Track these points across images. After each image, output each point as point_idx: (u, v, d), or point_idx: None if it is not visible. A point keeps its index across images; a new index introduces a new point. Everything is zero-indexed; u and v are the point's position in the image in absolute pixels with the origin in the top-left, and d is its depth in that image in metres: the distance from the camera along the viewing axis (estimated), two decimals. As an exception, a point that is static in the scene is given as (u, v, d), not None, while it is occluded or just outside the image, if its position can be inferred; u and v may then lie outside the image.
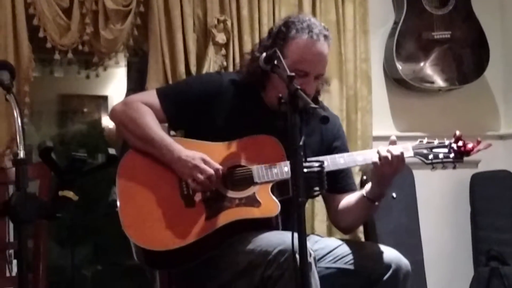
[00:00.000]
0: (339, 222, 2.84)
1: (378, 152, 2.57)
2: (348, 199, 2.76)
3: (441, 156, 2.69)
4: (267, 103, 2.71)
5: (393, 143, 2.61)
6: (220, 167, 2.55)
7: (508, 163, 4.29)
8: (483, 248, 4.16)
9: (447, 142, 2.71)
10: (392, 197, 4.00)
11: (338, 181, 2.77)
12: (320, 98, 2.88)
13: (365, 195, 2.66)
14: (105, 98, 6.81)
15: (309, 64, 2.59)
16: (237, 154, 2.63)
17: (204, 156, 2.54)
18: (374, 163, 2.58)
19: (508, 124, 4.36)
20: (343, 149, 2.80)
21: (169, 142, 2.60)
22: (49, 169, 2.11)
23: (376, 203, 2.66)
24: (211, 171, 2.51)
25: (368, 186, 2.66)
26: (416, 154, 2.69)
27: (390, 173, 2.58)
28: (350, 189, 2.81)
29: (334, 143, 2.81)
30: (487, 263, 4.11)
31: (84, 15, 3.49)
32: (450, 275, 4.26)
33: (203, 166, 2.51)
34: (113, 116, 2.75)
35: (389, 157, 2.54)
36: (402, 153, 2.56)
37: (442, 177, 4.13)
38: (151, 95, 2.74)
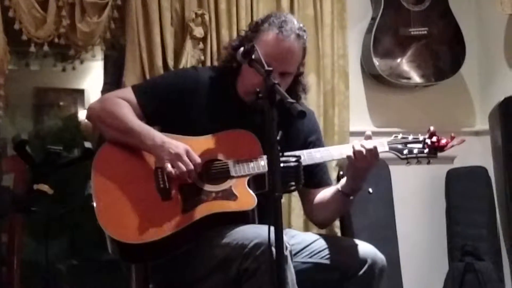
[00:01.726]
0: (314, 217, 2.85)
1: (352, 147, 2.57)
2: (324, 194, 2.77)
3: (415, 151, 2.70)
4: (241, 96, 2.71)
5: (368, 138, 2.62)
6: (200, 161, 2.54)
7: (483, 159, 4.32)
8: (458, 243, 4.19)
9: (421, 138, 2.73)
10: (369, 192, 3.99)
11: (314, 176, 2.77)
12: (303, 95, 2.87)
13: (340, 189, 2.67)
14: (81, 92, 6.77)
15: (273, 59, 2.56)
16: (214, 149, 2.63)
17: (188, 147, 2.53)
18: (348, 158, 2.58)
19: (484, 120, 4.39)
20: (318, 144, 2.81)
21: (149, 129, 2.60)
22: (24, 162, 2.10)
23: (351, 198, 2.67)
24: (191, 166, 2.51)
25: (343, 180, 2.67)
26: (391, 149, 2.70)
27: (365, 168, 2.59)
28: (325, 183, 2.81)
29: (310, 138, 2.82)
30: (461, 258, 4.15)
31: (61, 7, 3.47)
32: (425, 270, 4.29)
33: (185, 157, 2.51)
34: (90, 113, 2.73)
35: (363, 151, 2.55)
36: (375, 147, 2.57)
37: (418, 172, 4.17)
38: (126, 92, 2.74)
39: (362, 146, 2.56)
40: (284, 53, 2.62)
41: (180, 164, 2.50)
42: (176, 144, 2.54)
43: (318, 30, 3.98)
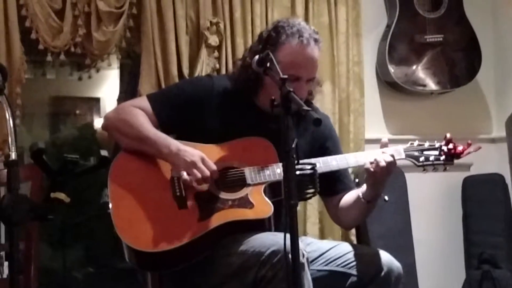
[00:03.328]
0: (340, 221, 2.87)
1: (371, 160, 2.57)
2: (346, 199, 2.77)
3: (431, 158, 2.70)
4: (259, 106, 2.71)
5: (384, 145, 2.62)
6: (216, 169, 2.55)
7: (500, 166, 4.30)
8: (475, 251, 4.17)
9: (437, 145, 2.72)
10: (384, 200, 3.99)
11: (335, 182, 2.77)
12: (313, 101, 2.88)
13: (361, 197, 2.67)
14: (97, 100, 6.80)
15: (300, 68, 2.59)
16: (230, 156, 2.63)
17: (203, 155, 2.54)
18: (366, 169, 2.58)
19: (500, 128, 4.37)
20: (335, 150, 2.81)
21: (165, 137, 2.60)
22: (41, 170, 2.11)
23: (373, 203, 2.68)
24: (207, 173, 2.51)
25: (363, 187, 2.66)
26: (407, 156, 2.69)
27: (383, 176, 2.59)
28: (348, 188, 2.80)
29: (326, 144, 2.81)
30: (478, 266, 4.12)
31: (77, 17, 3.50)
32: (442, 278, 4.27)
33: (200, 165, 2.51)
34: (106, 123, 2.74)
35: (381, 162, 2.55)
36: (393, 157, 2.57)
37: (434, 180, 4.16)
38: (142, 101, 2.74)
39: (380, 157, 2.56)
40: (308, 61, 2.63)
41: (195, 171, 2.50)
42: (192, 152, 2.54)
43: (333, 37, 3.99)
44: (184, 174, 2.51)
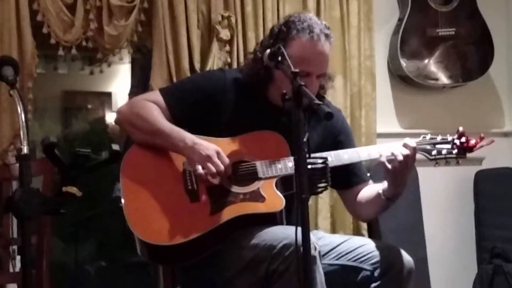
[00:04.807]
0: (358, 215, 2.88)
1: (393, 154, 2.55)
2: (365, 194, 2.75)
3: (444, 152, 2.69)
4: (271, 100, 2.71)
5: (409, 148, 2.59)
6: (230, 163, 2.55)
7: (512, 160, 4.29)
8: (487, 246, 4.15)
9: (450, 138, 2.71)
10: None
11: (349, 175, 2.76)
12: (325, 95, 2.87)
13: (382, 194, 2.65)
14: (109, 95, 6.82)
15: (311, 64, 2.59)
16: (241, 150, 2.63)
17: (219, 149, 2.54)
18: (382, 164, 2.57)
19: (513, 121, 4.36)
20: (347, 143, 2.80)
21: (179, 131, 2.60)
22: (52, 165, 2.11)
23: (393, 200, 2.67)
24: (222, 168, 2.51)
25: (384, 184, 2.65)
26: (419, 150, 2.68)
27: (402, 171, 2.57)
28: (362, 180, 2.79)
29: (339, 138, 2.81)
30: (490, 260, 4.11)
31: (88, 11, 3.50)
32: (453, 272, 4.26)
33: (216, 159, 2.51)
34: (119, 117, 2.74)
35: (398, 154, 2.54)
36: (414, 149, 2.55)
37: (446, 174, 4.14)
38: (155, 95, 2.75)
39: (397, 150, 2.55)
40: (319, 56, 2.62)
41: (210, 165, 2.50)
42: (207, 145, 2.54)
43: (344, 31, 3.98)
44: (199, 168, 2.51)
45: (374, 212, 2.80)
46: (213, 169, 2.50)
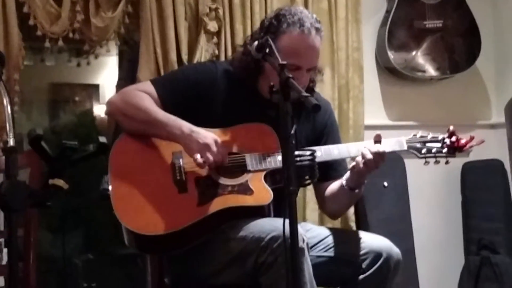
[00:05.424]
0: (326, 209, 2.86)
1: (362, 155, 2.56)
2: (332, 187, 2.76)
3: (434, 150, 2.70)
4: (261, 92, 2.71)
5: (377, 140, 2.60)
6: (227, 153, 2.55)
7: (499, 152, 4.30)
8: (474, 237, 4.18)
9: (440, 137, 2.72)
10: (384, 186, 4.00)
11: (328, 170, 2.76)
12: (315, 89, 2.87)
13: (345, 184, 2.66)
14: (96, 87, 6.79)
15: (302, 58, 2.59)
16: (231, 142, 2.62)
17: (217, 137, 2.53)
18: (357, 164, 2.56)
19: (499, 113, 4.36)
20: (332, 136, 2.80)
21: (175, 119, 2.58)
22: (39, 157, 2.10)
23: (357, 191, 2.67)
24: (220, 157, 2.51)
25: (347, 175, 2.65)
26: (409, 148, 2.69)
27: (371, 171, 2.59)
28: (340, 176, 2.79)
29: (324, 130, 2.81)
30: (478, 252, 4.13)
31: (75, 2, 3.48)
32: (441, 264, 4.28)
33: (214, 148, 2.50)
34: (111, 107, 2.72)
35: (373, 158, 2.54)
36: (385, 153, 2.56)
37: (433, 166, 4.13)
38: (146, 85, 2.73)
39: (372, 153, 2.54)
40: (309, 50, 2.62)
41: (209, 154, 2.50)
42: (205, 134, 2.53)
43: (332, 23, 3.98)
44: (198, 157, 2.50)
45: (338, 205, 2.78)
46: (211, 158, 2.50)
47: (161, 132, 2.59)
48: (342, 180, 2.67)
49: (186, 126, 2.56)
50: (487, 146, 4.23)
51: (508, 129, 4.23)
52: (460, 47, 4.23)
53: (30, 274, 3.00)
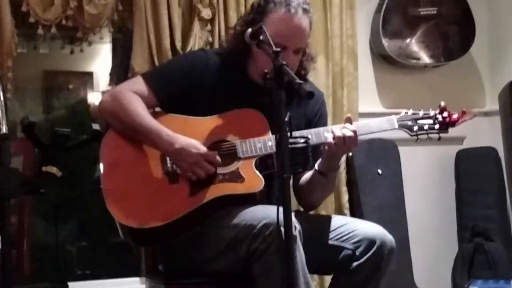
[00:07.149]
0: (301, 199, 2.82)
1: (332, 132, 2.55)
2: (306, 175, 2.74)
3: (426, 127, 2.68)
4: (251, 77, 2.70)
5: (348, 121, 2.60)
6: (219, 159, 2.55)
7: (493, 139, 4.31)
8: (467, 224, 4.18)
9: (432, 113, 2.71)
10: (378, 173, 4.01)
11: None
12: (308, 76, 2.85)
13: (316, 169, 2.65)
14: (90, 75, 6.76)
15: (287, 38, 2.57)
16: (222, 129, 2.62)
17: (203, 150, 2.54)
18: (328, 143, 2.56)
19: (493, 101, 4.36)
20: (321, 126, 2.79)
21: (162, 130, 2.58)
22: (32, 144, 2.10)
23: (328, 177, 2.65)
24: (212, 169, 2.53)
25: (319, 160, 2.65)
26: (400, 126, 2.68)
27: (342, 152, 2.59)
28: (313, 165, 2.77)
29: (314, 119, 2.80)
30: (471, 239, 4.14)
31: (68, -11, 3.45)
32: (434, 251, 4.29)
33: (203, 163, 2.52)
34: (102, 109, 2.70)
35: (343, 138, 2.53)
36: (355, 133, 2.55)
37: (428, 153, 4.17)
38: (137, 82, 2.72)
39: (342, 132, 2.54)
40: (295, 30, 2.61)
41: (200, 171, 2.52)
42: (189, 151, 2.53)
43: (326, 10, 3.96)
44: (190, 175, 2.53)
45: (311, 194, 2.75)
46: (203, 174, 2.52)
47: (149, 143, 2.60)
48: (315, 166, 2.66)
49: (173, 140, 2.55)
50: (481, 134, 4.28)
51: (502, 117, 4.24)
52: (454, 34, 4.22)
53: (24, 261, 3.00)
